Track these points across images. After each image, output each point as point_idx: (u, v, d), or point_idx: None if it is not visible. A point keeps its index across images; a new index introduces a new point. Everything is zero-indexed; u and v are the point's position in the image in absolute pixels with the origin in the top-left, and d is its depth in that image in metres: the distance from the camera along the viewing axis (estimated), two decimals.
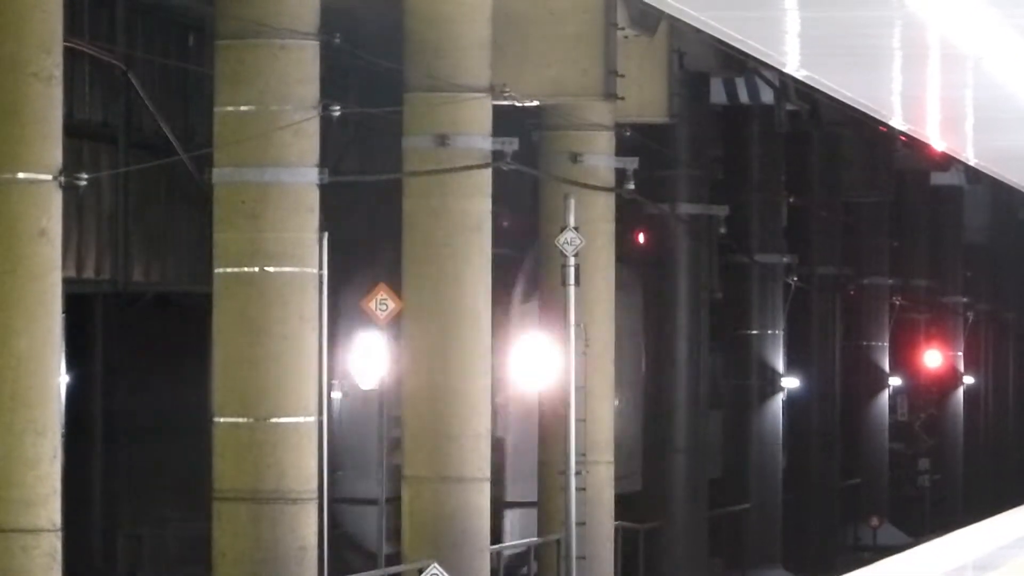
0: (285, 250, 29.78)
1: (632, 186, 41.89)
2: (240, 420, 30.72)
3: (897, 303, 62.14)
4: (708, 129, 47.75)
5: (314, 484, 31.14)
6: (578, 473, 39.03)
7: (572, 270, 40.00)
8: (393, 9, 34.48)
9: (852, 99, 44.55)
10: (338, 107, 30.90)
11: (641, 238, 46.64)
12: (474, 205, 35.13)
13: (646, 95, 42.22)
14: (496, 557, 35.62)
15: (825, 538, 50.84)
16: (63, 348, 24.43)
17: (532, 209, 41.36)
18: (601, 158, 41.31)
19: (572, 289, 40.20)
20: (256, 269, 29.70)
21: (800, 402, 54.88)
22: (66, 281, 28.17)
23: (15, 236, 25.22)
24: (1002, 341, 68.66)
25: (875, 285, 60.88)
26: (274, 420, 30.63)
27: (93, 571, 36.37)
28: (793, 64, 38.04)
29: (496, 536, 37.39)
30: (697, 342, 48.82)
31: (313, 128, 30.49)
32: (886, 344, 61.50)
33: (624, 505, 41.38)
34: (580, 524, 39.69)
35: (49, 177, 24.93)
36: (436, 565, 34.38)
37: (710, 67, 43.96)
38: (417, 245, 35.32)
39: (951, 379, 65.45)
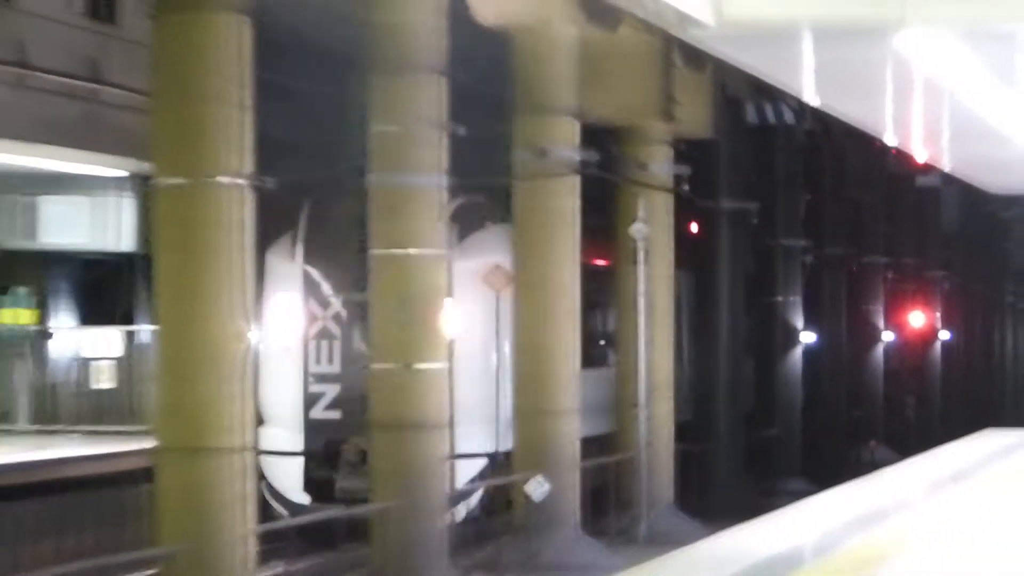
0: (421, 236, 29.92)
1: (686, 187, 42.51)
2: (391, 366, 30.84)
3: (889, 277, 62.15)
4: (743, 143, 47.36)
5: (446, 416, 31.28)
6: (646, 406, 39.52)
7: (641, 252, 40.33)
8: (503, 49, 34.57)
9: (854, 120, 45.60)
10: (462, 127, 30.65)
11: (693, 227, 46.92)
12: (566, 204, 35.50)
13: (696, 117, 42.40)
14: (584, 471, 35.37)
15: (834, 456, 50.62)
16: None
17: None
18: (662, 166, 41.23)
19: (641, 266, 40.51)
20: (401, 251, 29.89)
21: (814, 353, 54.71)
22: None
23: (218, 226, 25.22)
24: (971, 306, 68.63)
25: (872, 263, 60.38)
26: (416, 366, 30.44)
27: None
28: (809, 94, 38.75)
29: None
30: (735, 306, 49.01)
31: (442, 143, 30.31)
32: (880, 308, 61.42)
33: (679, 432, 41.86)
34: (648, 445, 40.14)
35: (244, 181, 24.97)
36: (540, 476, 34.05)
37: (745, 95, 44.01)
38: (525, 234, 35.51)
39: (931, 335, 65.61)
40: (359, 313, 30.03)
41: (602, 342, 43.18)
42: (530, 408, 35.06)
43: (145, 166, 30.88)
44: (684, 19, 29.61)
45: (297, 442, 29.92)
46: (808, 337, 54.56)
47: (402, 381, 30.46)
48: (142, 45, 30.18)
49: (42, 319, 45.68)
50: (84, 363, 43.67)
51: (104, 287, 46.35)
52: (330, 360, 30.37)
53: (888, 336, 62.63)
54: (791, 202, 52.09)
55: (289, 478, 29.75)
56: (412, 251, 29.90)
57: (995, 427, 51.17)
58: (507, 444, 36.60)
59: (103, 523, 33.42)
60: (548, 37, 35.12)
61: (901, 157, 51.57)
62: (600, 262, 41.71)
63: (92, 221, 43.30)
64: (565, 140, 35.43)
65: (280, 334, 27.78)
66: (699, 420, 46.69)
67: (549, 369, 35.68)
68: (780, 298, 52.70)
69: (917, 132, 45.14)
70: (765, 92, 43.04)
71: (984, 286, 68.09)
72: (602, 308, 43.58)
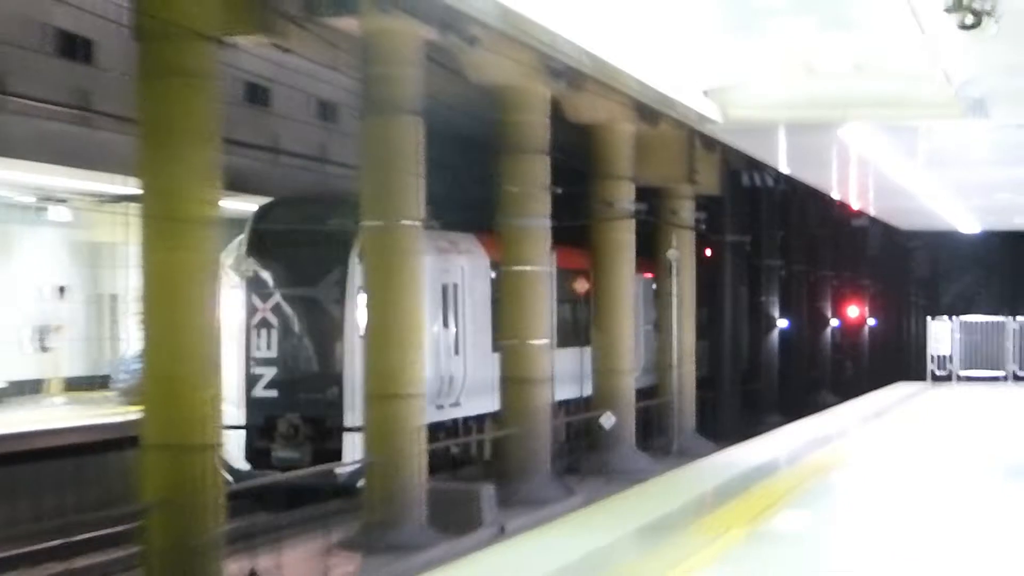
0: (534, 258, 29.61)
1: (703, 226, 42.22)
2: (514, 341, 30.36)
3: (834, 284, 61.94)
4: (740, 198, 47.00)
5: (548, 375, 30.60)
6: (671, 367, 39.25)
7: (674, 268, 39.89)
8: (582, 136, 34.28)
9: (812, 183, 46.71)
10: (559, 188, 30.47)
11: (708, 252, 46.20)
12: (625, 237, 35.28)
13: (710, 181, 42.04)
14: (637, 410, 35.11)
15: (798, 400, 50.35)
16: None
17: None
18: (687, 213, 40.97)
19: (674, 277, 39.98)
20: (523, 268, 29.52)
21: (786, 334, 54.26)
22: None
23: (404, 252, 24.76)
24: (887, 303, 68.42)
25: (823, 275, 60.26)
26: (530, 342, 30.07)
27: None
28: (782, 166, 39.88)
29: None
30: (735, 305, 48.56)
31: (546, 198, 29.92)
32: (829, 304, 61.12)
33: (698, 384, 41.30)
34: (678, 393, 39.80)
35: (418, 223, 24.67)
36: (609, 412, 34.29)
37: (741, 167, 43.55)
38: (600, 256, 35.29)
39: (862, 322, 65.69)
40: (296, 306, 27.03)
41: (649, 325, 42.18)
42: (603, 369, 35.02)
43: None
44: (702, 118, 30.54)
45: (241, 417, 26.95)
46: (782, 323, 54.26)
47: (521, 351, 29.99)
48: (355, 136, 29.92)
49: None
50: None
51: None
52: (268, 346, 27.24)
53: (834, 322, 62.80)
54: (771, 236, 51.81)
55: (234, 449, 26.33)
56: (527, 268, 29.70)
57: (902, 380, 51.83)
58: (588, 392, 35.53)
59: None
60: (614, 130, 34.94)
61: (842, 206, 51.32)
62: (648, 275, 41.19)
63: None
64: (624, 196, 35.46)
65: (228, 323, 24.51)
66: (711, 377, 46.28)
67: (614, 343, 35.44)
68: (764, 298, 52.27)
69: (852, 190, 46.23)
70: (754, 165, 42.71)
71: (895, 290, 67.91)
72: (648, 304, 42.69)
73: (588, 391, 35.65)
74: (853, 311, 65.12)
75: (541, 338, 30.28)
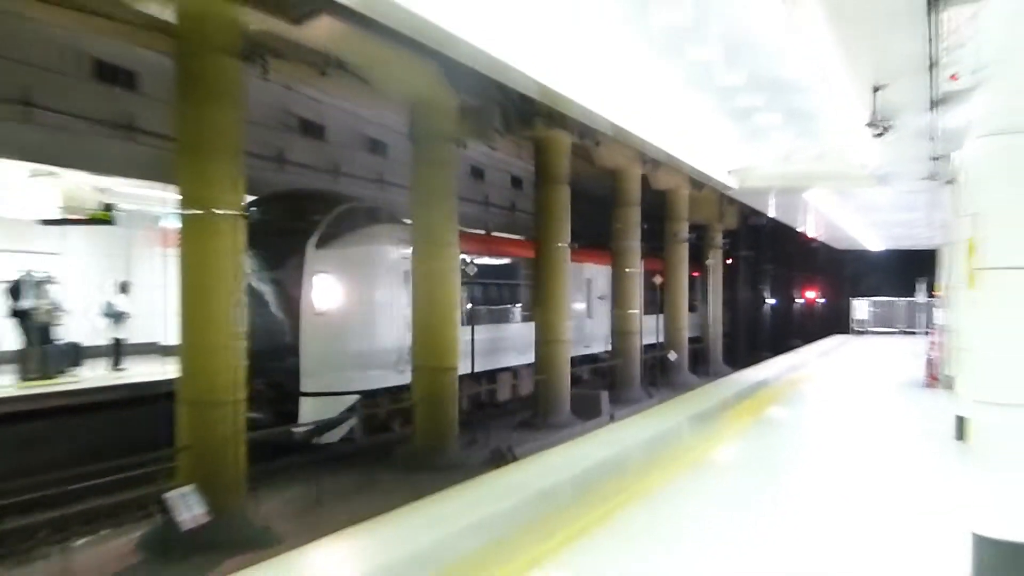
0: (631, 264, 29.35)
1: (727, 247, 41.44)
2: (620, 311, 29.31)
3: (800, 279, 60.16)
4: (749, 230, 45.07)
5: (638, 329, 29.58)
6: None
7: (710, 271, 39.68)
8: (659, 196, 33.55)
9: (789, 222, 44.24)
10: (645, 224, 29.95)
11: (729, 261, 44.42)
12: (682, 253, 34.47)
13: (731, 221, 40.64)
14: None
15: (780, 344, 46.42)
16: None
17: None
18: (718, 239, 39.64)
19: (710, 276, 39.83)
20: (626, 270, 29.21)
21: (773, 307, 52.76)
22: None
23: (559, 271, 23.85)
24: (830, 290, 66.14)
25: (794, 274, 57.97)
26: (629, 311, 29.39)
27: None
28: (771, 212, 40.28)
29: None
30: (744, 290, 47.06)
31: (637, 232, 29.17)
32: (796, 291, 59.60)
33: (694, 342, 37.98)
34: (713, 340, 39.45)
35: (566, 244, 23.77)
36: (673, 351, 33.86)
37: (749, 212, 41.52)
38: (669, 263, 34.54)
39: (814, 301, 62.87)
40: (264, 286, 19.26)
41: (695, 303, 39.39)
42: (669, 327, 34.29)
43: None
44: (726, 186, 29.48)
45: None
46: (771, 301, 52.97)
47: (623, 316, 29.20)
48: (532, 198, 26.71)
49: None
50: None
51: None
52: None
53: (799, 301, 61.23)
54: (765, 252, 49.87)
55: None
56: (628, 270, 29.35)
57: (838, 333, 50.41)
58: (663, 339, 33.66)
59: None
60: (678, 192, 34.09)
61: (804, 235, 49.04)
62: (695, 274, 39.78)
63: None
64: (683, 229, 34.79)
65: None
66: (730, 332, 44.57)
67: (676, 312, 34.69)
68: (760, 287, 50.86)
69: (811, 226, 44.25)
70: (755, 212, 40.71)
71: (834, 282, 65.37)
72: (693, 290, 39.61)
73: (662, 339, 33.87)
74: (811, 294, 63.41)
75: (634, 309, 29.51)
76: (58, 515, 11.73)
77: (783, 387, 22.41)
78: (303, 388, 18.46)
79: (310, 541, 7.66)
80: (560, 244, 23.91)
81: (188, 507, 12.36)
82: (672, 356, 33.72)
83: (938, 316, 23.74)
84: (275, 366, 18.21)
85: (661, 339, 34.07)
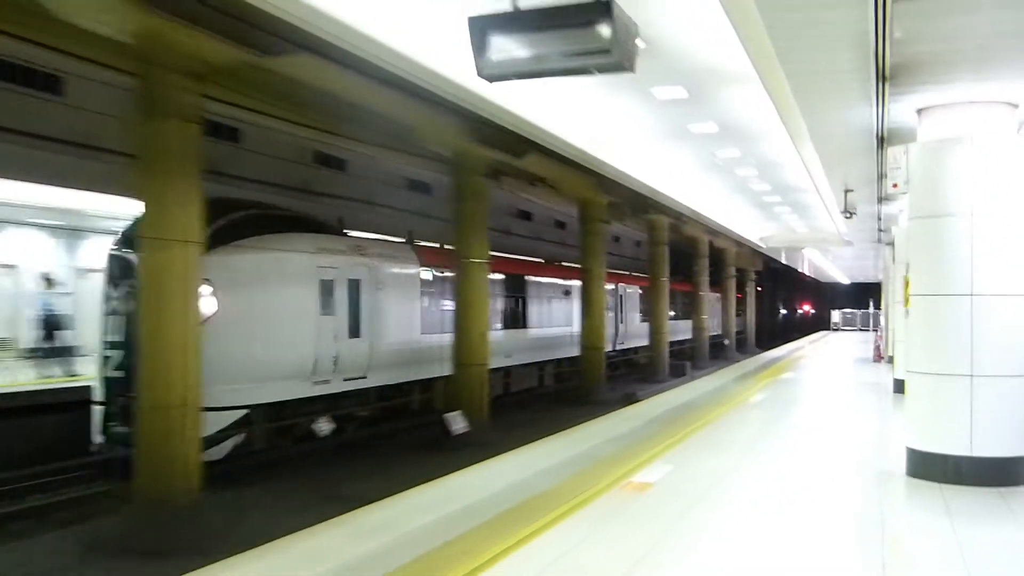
0: (703, 290, 27.42)
1: (756, 278, 39.10)
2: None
3: (799, 299, 56.46)
4: (769, 271, 41.28)
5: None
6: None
7: (748, 295, 37.56)
8: (717, 251, 30.15)
9: (793, 265, 42.10)
10: (711, 267, 28.00)
11: (759, 289, 40.34)
12: (731, 285, 32.65)
13: (759, 265, 38.21)
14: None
15: (786, 336, 42.37)
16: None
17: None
18: (752, 275, 37.30)
19: (748, 299, 37.57)
20: (698, 293, 27.00)
21: (783, 316, 50.46)
22: None
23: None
24: (817, 305, 59.96)
25: (796, 297, 54.70)
26: (700, 317, 28.12)
27: None
28: (783, 259, 35.88)
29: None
30: (765, 307, 43.83)
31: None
32: (797, 306, 56.13)
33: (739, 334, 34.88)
34: (730, 337, 33.41)
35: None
36: (727, 339, 32.14)
37: (770, 259, 36.77)
38: (724, 291, 31.92)
39: (809, 312, 58.12)
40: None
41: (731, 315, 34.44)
42: (726, 327, 31.74)
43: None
44: (758, 246, 27.73)
45: (99, 395, 10.67)
46: (783, 312, 51.93)
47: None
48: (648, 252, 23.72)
49: None
50: None
51: None
52: (117, 331, 10.51)
53: (799, 312, 59.00)
54: (779, 283, 48.09)
55: (95, 423, 10.55)
56: (701, 293, 27.65)
57: (823, 330, 47.83)
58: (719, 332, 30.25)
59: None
60: (727, 250, 31.91)
61: (802, 273, 46.09)
62: (739, 295, 35.27)
63: None
64: (731, 271, 33.18)
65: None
66: (760, 328, 41.37)
67: (727, 320, 32.44)
68: (776, 304, 49.40)
69: (806, 267, 41.95)
70: (775, 260, 37.19)
71: (820, 302, 60.83)
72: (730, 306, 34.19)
73: (721, 332, 30.22)
74: (806, 307, 60.88)
75: (704, 315, 27.63)
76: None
77: (789, 361, 21.30)
78: None
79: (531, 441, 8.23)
80: (663, 279, 23.52)
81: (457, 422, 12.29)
82: (727, 342, 32.56)
83: (881, 320, 22.47)
84: None
85: (720, 332, 33.11)
